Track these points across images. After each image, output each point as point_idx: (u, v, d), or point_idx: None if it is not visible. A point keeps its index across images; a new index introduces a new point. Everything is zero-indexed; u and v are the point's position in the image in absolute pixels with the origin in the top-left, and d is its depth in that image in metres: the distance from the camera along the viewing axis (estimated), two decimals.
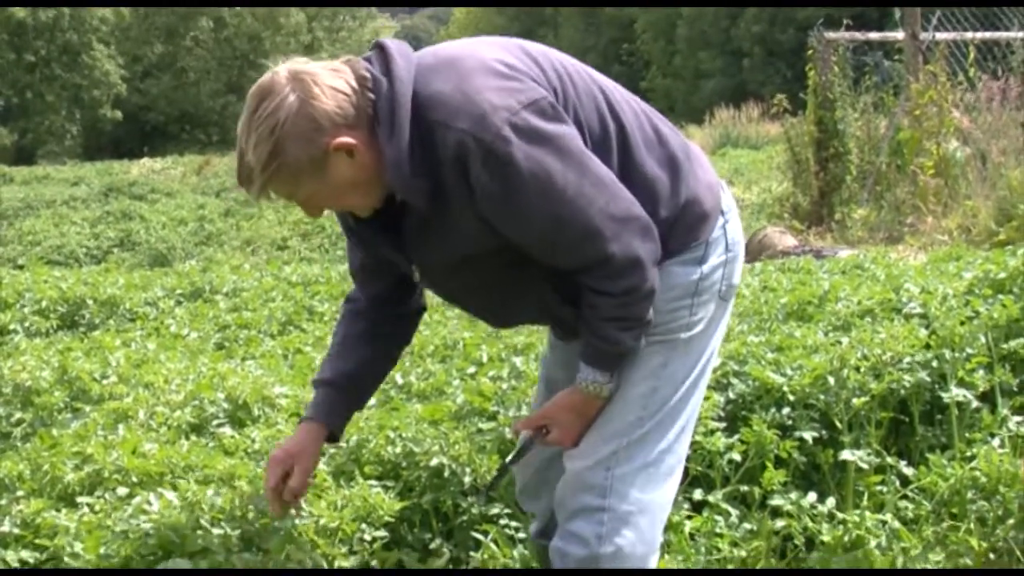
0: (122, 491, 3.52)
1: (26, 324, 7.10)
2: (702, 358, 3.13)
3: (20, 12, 56.92)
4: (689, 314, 3.05)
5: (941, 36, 12.98)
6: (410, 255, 3.04)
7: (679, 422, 3.09)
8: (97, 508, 3.42)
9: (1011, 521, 3.94)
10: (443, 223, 2.92)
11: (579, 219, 2.83)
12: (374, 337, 3.33)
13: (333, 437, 3.34)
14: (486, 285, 3.10)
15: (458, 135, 2.79)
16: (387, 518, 3.61)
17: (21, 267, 13.47)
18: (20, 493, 3.58)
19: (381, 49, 2.94)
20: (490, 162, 2.79)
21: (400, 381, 4.75)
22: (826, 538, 3.87)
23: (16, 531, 3.39)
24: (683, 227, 3.02)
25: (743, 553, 3.85)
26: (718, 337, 3.20)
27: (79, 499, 3.50)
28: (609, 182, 2.88)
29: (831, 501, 4.02)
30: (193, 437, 4.09)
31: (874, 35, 15.44)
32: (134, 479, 3.62)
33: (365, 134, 2.86)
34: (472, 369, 4.80)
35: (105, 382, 4.81)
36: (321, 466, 3.83)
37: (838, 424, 4.26)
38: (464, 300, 3.26)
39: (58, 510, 3.43)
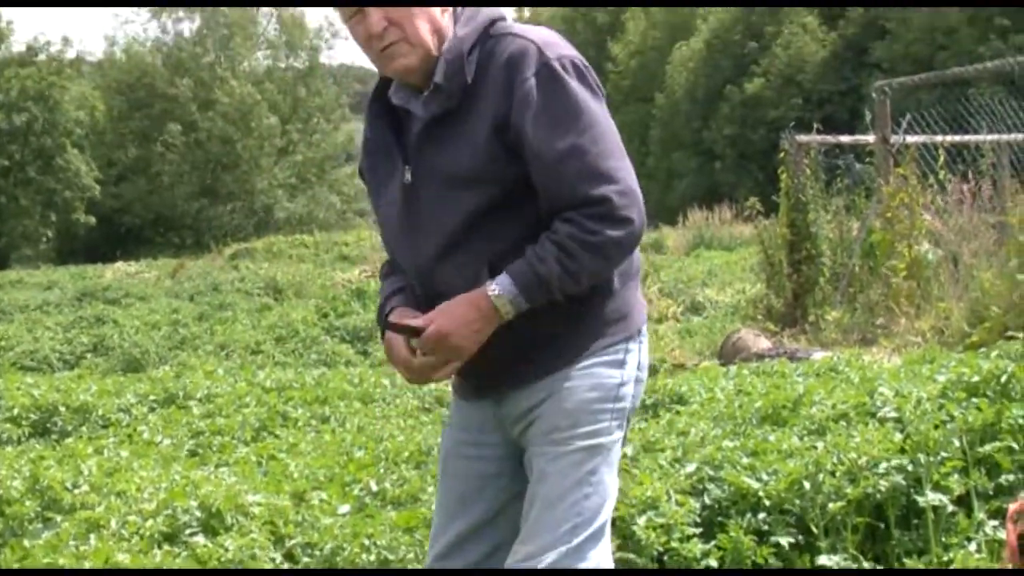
0: None
1: None
2: (615, 475, 3.16)
3: None
4: (610, 418, 3.10)
5: (911, 139, 13.11)
6: (409, 157, 3.15)
7: (606, 535, 3.10)
8: None
9: None
10: (455, 129, 3.08)
11: (597, 159, 3.02)
12: None
13: None
14: (448, 220, 3.10)
15: (524, 44, 3.09)
16: None
17: None
18: None
19: None
20: (543, 74, 3.03)
21: (375, 488, 4.73)
22: None
23: None
24: (611, 315, 3.11)
25: None
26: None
27: None
28: (630, 162, 3.10)
29: None
30: (166, 546, 4.06)
31: (845, 138, 15.59)
32: None
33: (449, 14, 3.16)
34: None
35: (77, 491, 4.78)
36: None
37: (814, 529, 4.26)
38: (418, 231, 3.18)
39: None
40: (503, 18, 3.15)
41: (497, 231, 3.07)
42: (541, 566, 3.01)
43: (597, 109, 3.06)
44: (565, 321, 3.08)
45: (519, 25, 3.16)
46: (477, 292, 3.01)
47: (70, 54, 63.20)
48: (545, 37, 3.12)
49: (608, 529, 3.10)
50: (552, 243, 2.96)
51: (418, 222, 3.17)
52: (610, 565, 3.12)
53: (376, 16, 3.06)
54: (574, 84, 3.05)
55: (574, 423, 3.06)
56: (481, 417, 3.21)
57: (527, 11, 77.90)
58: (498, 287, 2.98)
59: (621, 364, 3.11)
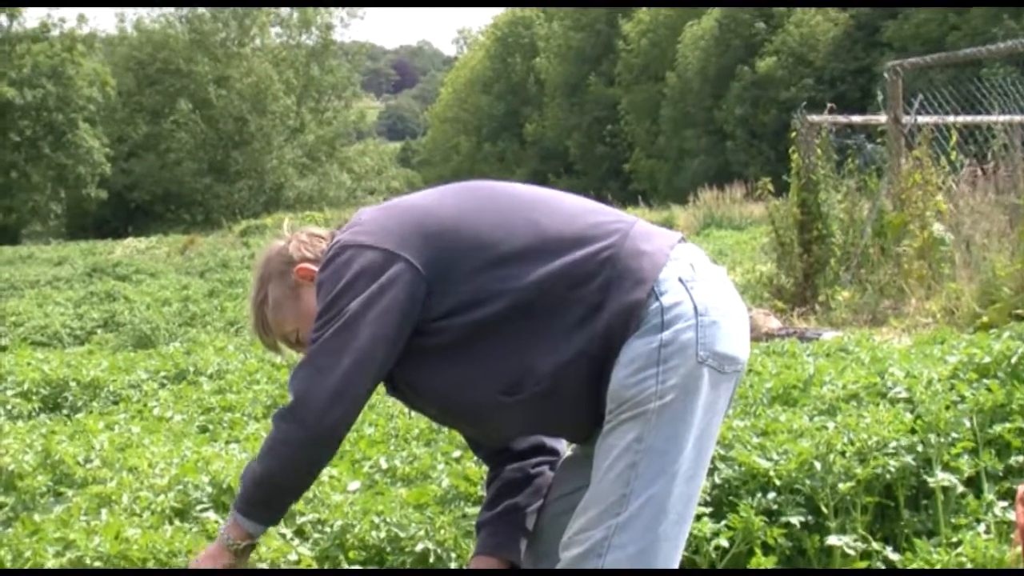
0: None
1: (9, 407, 7.07)
2: (688, 432, 3.01)
3: (8, 92, 57.17)
4: (657, 382, 2.97)
5: (923, 119, 13.07)
6: None
7: (671, 502, 2.98)
8: None
9: None
10: None
11: (307, 356, 3.11)
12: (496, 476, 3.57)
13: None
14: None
15: None
16: None
17: (4, 348, 13.42)
18: None
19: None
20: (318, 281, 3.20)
21: (384, 465, 4.73)
22: None
23: None
24: (620, 298, 3.03)
25: None
26: (711, 413, 3.07)
27: None
28: (355, 357, 3.04)
29: None
30: (177, 522, 4.06)
31: (856, 118, 15.54)
32: (116, 566, 3.59)
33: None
34: (457, 453, 4.78)
35: (89, 466, 4.79)
36: (305, 551, 3.82)
37: (824, 509, 4.26)
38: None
39: None
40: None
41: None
42: (594, 540, 2.98)
43: (346, 297, 3.07)
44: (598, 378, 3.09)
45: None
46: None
47: (84, 31, 63.26)
48: (345, 231, 3.23)
49: (675, 501, 2.99)
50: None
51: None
52: (676, 544, 3.03)
53: (299, 350, 3.39)
54: (325, 274, 3.13)
55: (619, 402, 3.00)
56: None
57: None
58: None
59: (660, 328, 2.99)
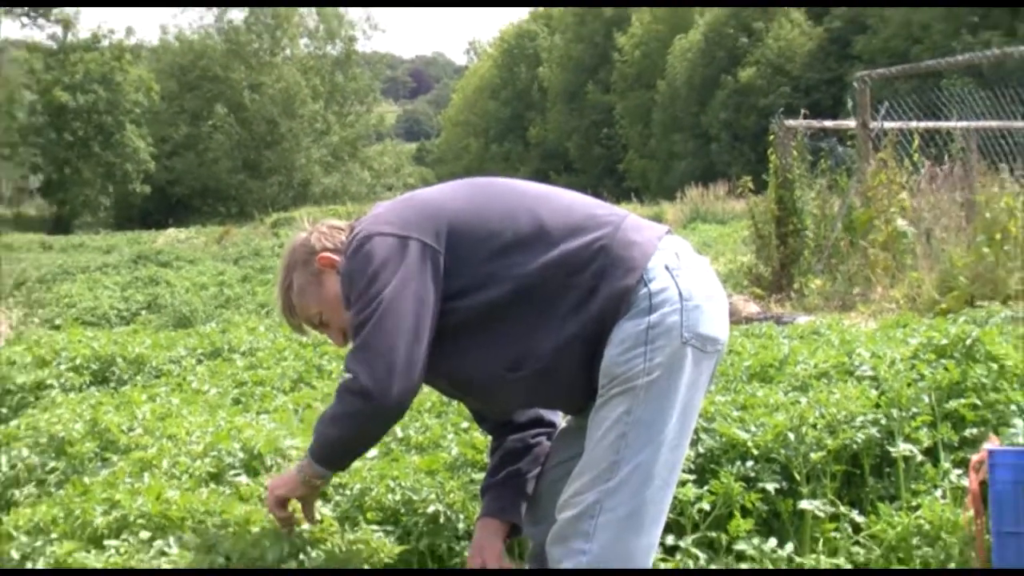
0: (145, 535, 3.50)
1: (62, 380, 7.06)
2: (673, 406, 3.02)
3: (62, 96, 57.28)
4: (644, 360, 2.98)
5: (889, 125, 13.05)
6: None
7: (656, 469, 3.00)
8: (123, 550, 3.39)
9: (952, 565, 3.92)
10: None
11: (362, 337, 3.06)
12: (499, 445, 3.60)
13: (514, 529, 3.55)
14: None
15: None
16: (387, 560, 3.59)
17: (58, 327, 13.42)
18: (53, 535, 3.56)
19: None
20: (344, 269, 3.21)
21: (400, 434, 4.73)
22: None
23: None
24: (612, 284, 3.04)
25: None
26: (694, 389, 3.09)
27: (106, 542, 3.47)
28: (408, 331, 3.04)
29: (790, 546, 4.01)
30: (212, 485, 4.06)
31: (828, 123, 15.52)
32: (157, 523, 3.60)
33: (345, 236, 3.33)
34: (465, 424, 4.77)
35: (132, 434, 4.79)
36: (327, 511, 3.82)
37: (797, 476, 4.25)
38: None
39: (87, 551, 3.40)
40: (363, 229, 3.20)
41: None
42: (587, 503, 2.99)
43: (380, 282, 3.06)
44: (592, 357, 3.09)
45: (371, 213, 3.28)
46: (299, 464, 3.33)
47: (131, 41, 63.48)
48: (366, 222, 3.22)
49: (660, 468, 3.01)
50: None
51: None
52: (662, 508, 3.06)
53: (329, 332, 3.43)
54: (351, 265, 3.14)
55: (610, 378, 3.02)
56: None
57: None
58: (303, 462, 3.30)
59: (648, 311, 3.00)
